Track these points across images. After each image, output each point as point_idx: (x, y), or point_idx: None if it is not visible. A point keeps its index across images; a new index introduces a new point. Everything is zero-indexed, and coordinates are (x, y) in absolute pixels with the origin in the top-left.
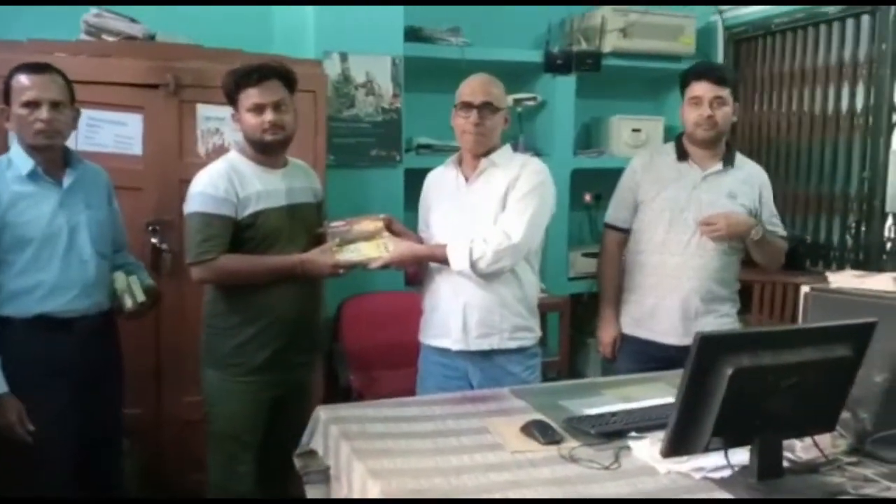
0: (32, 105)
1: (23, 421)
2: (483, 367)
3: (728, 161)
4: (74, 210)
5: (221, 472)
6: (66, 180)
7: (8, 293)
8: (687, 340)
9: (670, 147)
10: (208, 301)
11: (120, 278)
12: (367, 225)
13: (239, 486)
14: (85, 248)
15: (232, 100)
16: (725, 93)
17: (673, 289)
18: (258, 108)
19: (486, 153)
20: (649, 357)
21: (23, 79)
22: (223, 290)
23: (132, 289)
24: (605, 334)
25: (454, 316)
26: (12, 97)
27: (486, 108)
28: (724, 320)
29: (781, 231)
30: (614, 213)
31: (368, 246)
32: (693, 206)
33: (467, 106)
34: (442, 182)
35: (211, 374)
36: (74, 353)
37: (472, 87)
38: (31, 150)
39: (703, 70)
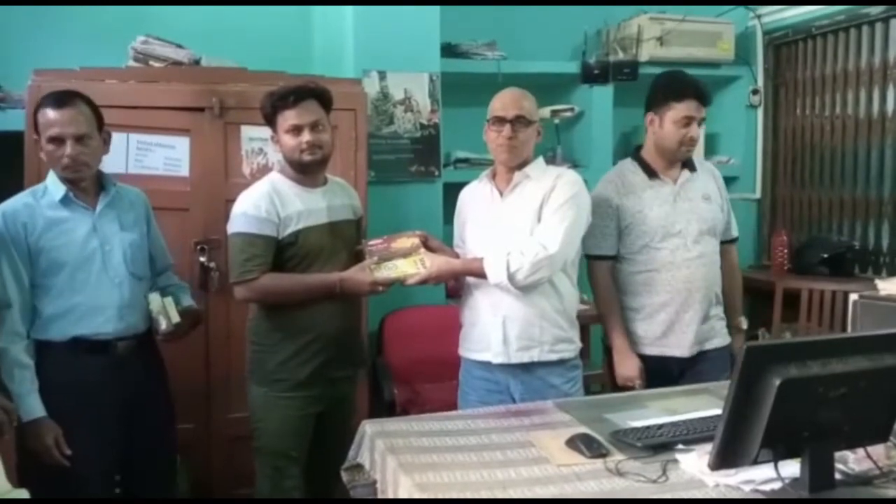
0: (57, 141)
1: (59, 444)
2: (524, 379)
3: (691, 167)
4: (108, 233)
5: (268, 486)
6: (99, 204)
7: (45, 318)
8: (696, 349)
9: (632, 165)
10: (252, 318)
11: (155, 300)
12: (404, 242)
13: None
14: (118, 271)
15: (270, 122)
16: (704, 112)
17: (685, 301)
18: (296, 129)
19: (520, 166)
20: (663, 374)
21: (48, 113)
22: (266, 307)
23: (167, 310)
24: (629, 367)
25: (494, 329)
26: (40, 130)
27: (519, 121)
28: (720, 324)
29: (735, 233)
30: (598, 242)
31: (406, 262)
32: (680, 217)
33: (500, 120)
34: (476, 197)
35: (256, 391)
36: (112, 376)
37: (504, 102)
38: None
39: (695, 89)
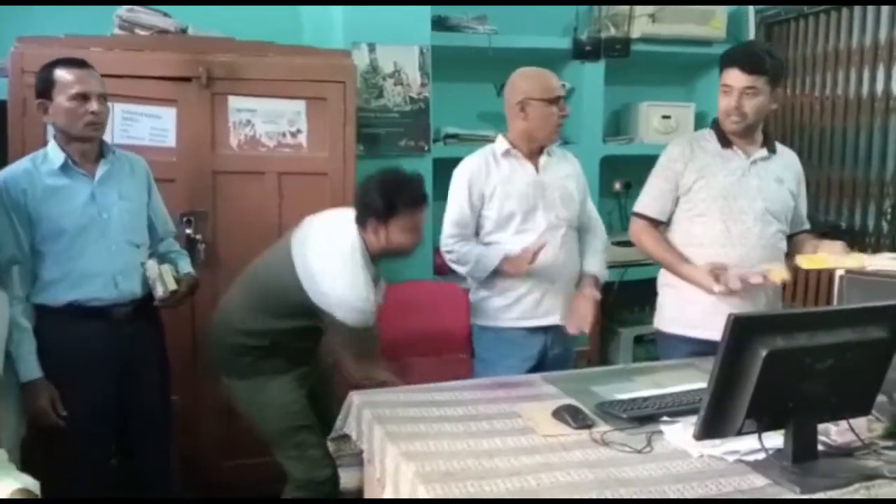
0: (82, 98)
1: (55, 406)
2: (557, 336)
3: (770, 147)
4: (106, 201)
5: (301, 468)
6: (99, 171)
7: (43, 282)
8: None
9: (708, 134)
10: (225, 318)
11: (152, 267)
12: None
13: (321, 471)
14: (115, 238)
15: (382, 218)
16: (759, 82)
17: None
18: (414, 230)
19: None
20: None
21: (69, 73)
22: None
23: (164, 277)
24: (704, 276)
25: (552, 295)
26: (56, 90)
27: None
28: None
29: (807, 226)
30: (651, 203)
31: None
32: (744, 193)
33: (558, 99)
34: (504, 170)
35: (237, 385)
36: (107, 340)
37: (550, 81)
38: (70, 142)
39: (737, 57)
